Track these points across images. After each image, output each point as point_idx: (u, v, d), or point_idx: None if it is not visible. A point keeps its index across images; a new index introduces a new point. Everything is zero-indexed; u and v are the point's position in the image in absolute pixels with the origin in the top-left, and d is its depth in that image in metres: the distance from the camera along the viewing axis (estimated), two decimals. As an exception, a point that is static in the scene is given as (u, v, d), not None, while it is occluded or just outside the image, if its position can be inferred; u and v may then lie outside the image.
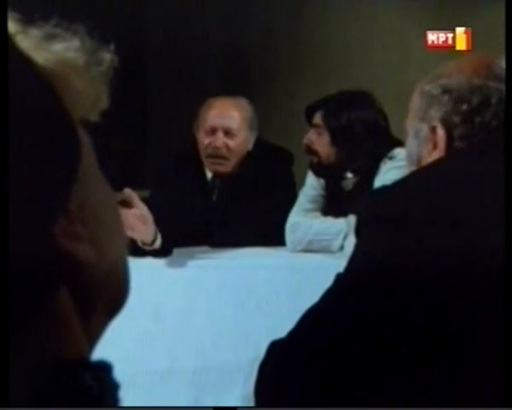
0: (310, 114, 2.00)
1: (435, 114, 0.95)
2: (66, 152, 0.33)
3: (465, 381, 0.74)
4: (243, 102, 2.14)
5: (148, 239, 1.77)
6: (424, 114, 0.97)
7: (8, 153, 0.29)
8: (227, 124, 2.07)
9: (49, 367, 0.32)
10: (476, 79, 0.92)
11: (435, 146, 0.95)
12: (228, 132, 2.07)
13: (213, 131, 2.06)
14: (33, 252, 0.31)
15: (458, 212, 0.79)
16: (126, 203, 1.66)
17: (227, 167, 2.10)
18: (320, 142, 1.95)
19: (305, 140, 1.99)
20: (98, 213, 0.36)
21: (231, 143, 2.08)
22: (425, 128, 0.97)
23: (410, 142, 1.01)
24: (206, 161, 2.12)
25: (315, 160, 1.98)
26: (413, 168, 1.00)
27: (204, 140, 2.08)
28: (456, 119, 0.92)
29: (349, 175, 1.98)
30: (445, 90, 0.94)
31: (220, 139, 2.06)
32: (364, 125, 1.89)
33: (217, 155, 2.08)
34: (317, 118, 1.96)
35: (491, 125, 0.90)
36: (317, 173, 2.02)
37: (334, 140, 1.92)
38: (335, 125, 1.91)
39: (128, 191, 1.66)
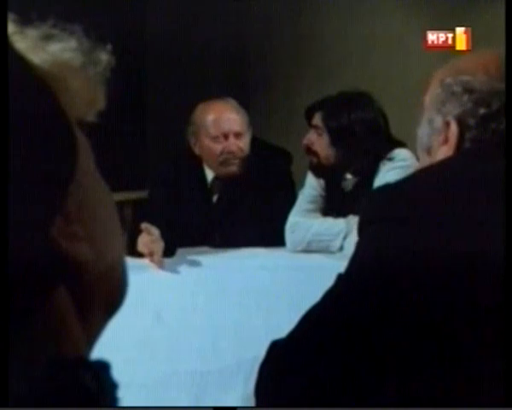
0: (309, 114, 2.00)
1: (452, 110, 0.93)
2: (63, 152, 0.33)
3: (465, 381, 0.74)
4: (234, 103, 2.18)
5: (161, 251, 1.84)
6: (441, 106, 0.95)
7: (6, 154, 0.29)
8: (235, 128, 2.12)
9: (47, 367, 0.32)
10: (498, 83, 0.89)
11: (446, 140, 0.94)
12: (238, 135, 2.12)
13: (225, 137, 2.10)
14: (31, 252, 0.31)
15: (463, 212, 0.79)
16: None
17: (238, 168, 2.13)
18: (320, 142, 1.95)
19: (305, 141, 1.99)
20: (96, 213, 0.36)
21: (241, 144, 2.13)
22: (439, 120, 0.95)
23: (424, 128, 0.99)
24: (218, 167, 2.14)
25: (314, 160, 1.99)
26: (422, 153, 1.00)
27: (214, 146, 2.11)
28: (472, 121, 0.91)
29: (349, 176, 1.98)
30: (466, 90, 0.91)
31: (234, 143, 2.11)
32: (364, 125, 1.89)
33: (233, 159, 2.11)
34: (317, 119, 1.96)
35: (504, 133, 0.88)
36: (317, 174, 2.02)
37: (334, 141, 1.92)
38: (335, 126, 1.91)
39: (144, 225, 1.85)
